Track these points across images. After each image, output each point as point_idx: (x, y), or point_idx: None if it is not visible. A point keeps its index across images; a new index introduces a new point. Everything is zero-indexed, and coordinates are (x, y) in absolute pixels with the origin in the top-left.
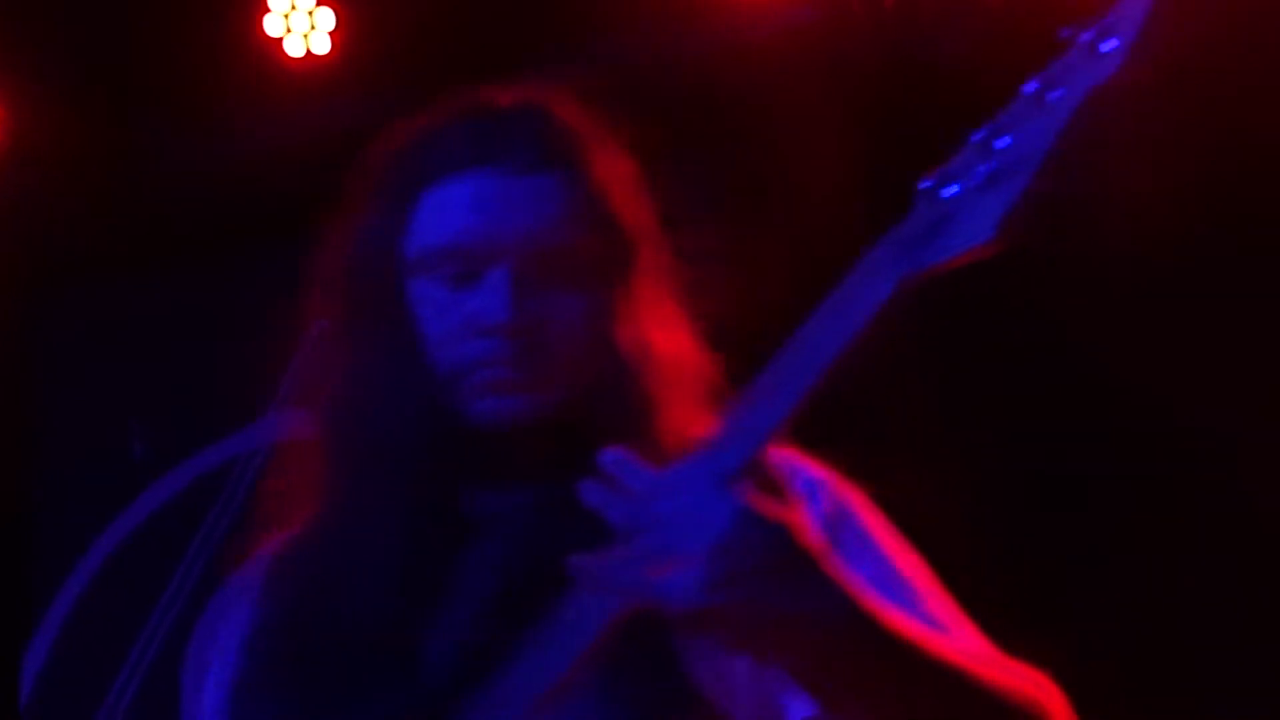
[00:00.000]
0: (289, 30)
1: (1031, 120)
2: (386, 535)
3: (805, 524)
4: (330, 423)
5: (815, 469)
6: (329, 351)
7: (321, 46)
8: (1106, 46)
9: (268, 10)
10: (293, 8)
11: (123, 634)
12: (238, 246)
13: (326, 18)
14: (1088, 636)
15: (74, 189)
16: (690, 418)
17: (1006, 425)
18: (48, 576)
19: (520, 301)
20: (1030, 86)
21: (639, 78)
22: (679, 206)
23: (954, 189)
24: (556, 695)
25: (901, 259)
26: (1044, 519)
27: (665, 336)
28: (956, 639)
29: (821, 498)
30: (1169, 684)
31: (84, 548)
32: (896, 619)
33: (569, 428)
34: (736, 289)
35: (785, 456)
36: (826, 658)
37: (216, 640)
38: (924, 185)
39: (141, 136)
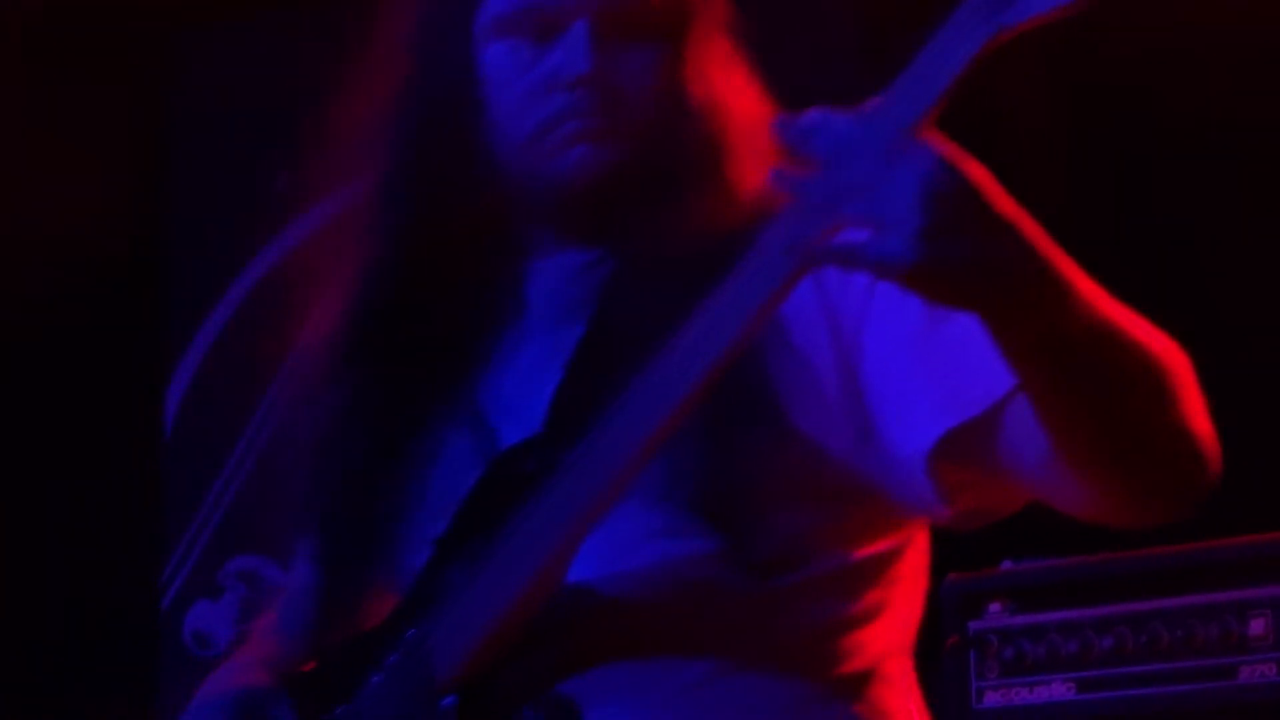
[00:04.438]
0: None
1: None
2: (454, 301)
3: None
4: (389, 194)
5: None
6: (386, 128)
7: None
8: None
9: None
10: None
11: (263, 367)
12: None
13: None
14: None
15: None
16: (764, 171)
17: None
18: (189, 307)
19: (601, 53)
20: None
21: None
22: None
23: None
24: (653, 446)
25: (987, 16)
26: None
27: (734, 91)
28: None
29: None
30: None
31: (227, 279)
32: (1075, 271)
33: (650, 179)
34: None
35: None
36: (1017, 309)
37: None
38: None
39: None
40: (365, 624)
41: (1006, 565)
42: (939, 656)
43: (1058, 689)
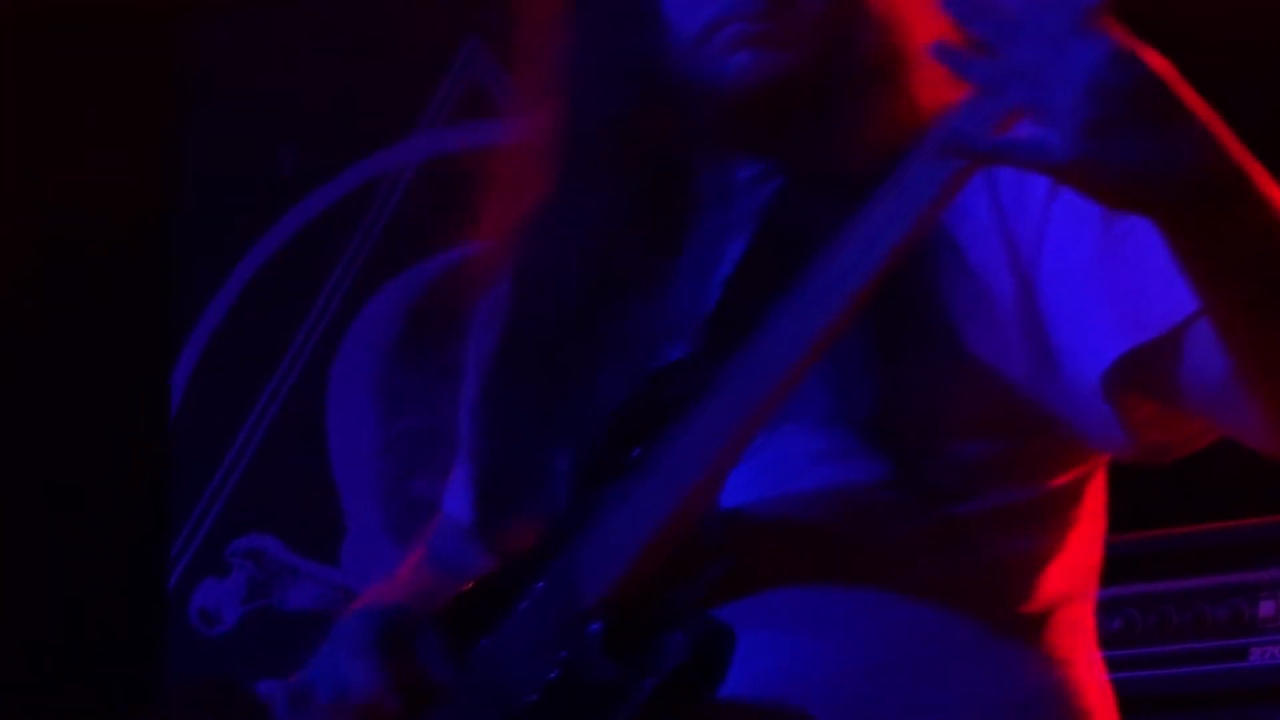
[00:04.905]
0: None
1: None
2: (618, 207)
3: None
4: (561, 103)
5: None
6: (553, 40)
7: None
8: None
9: None
10: None
11: (269, 349)
12: None
13: None
14: None
15: None
16: (942, 81)
17: None
18: (194, 290)
19: None
20: None
21: None
22: None
23: None
24: (810, 358)
25: None
26: None
27: (913, 3)
28: None
29: None
30: None
31: (232, 262)
32: (1264, 176)
33: (820, 88)
34: None
35: None
36: (1192, 214)
37: (464, 362)
38: None
39: None
40: (515, 552)
41: None
42: None
43: None
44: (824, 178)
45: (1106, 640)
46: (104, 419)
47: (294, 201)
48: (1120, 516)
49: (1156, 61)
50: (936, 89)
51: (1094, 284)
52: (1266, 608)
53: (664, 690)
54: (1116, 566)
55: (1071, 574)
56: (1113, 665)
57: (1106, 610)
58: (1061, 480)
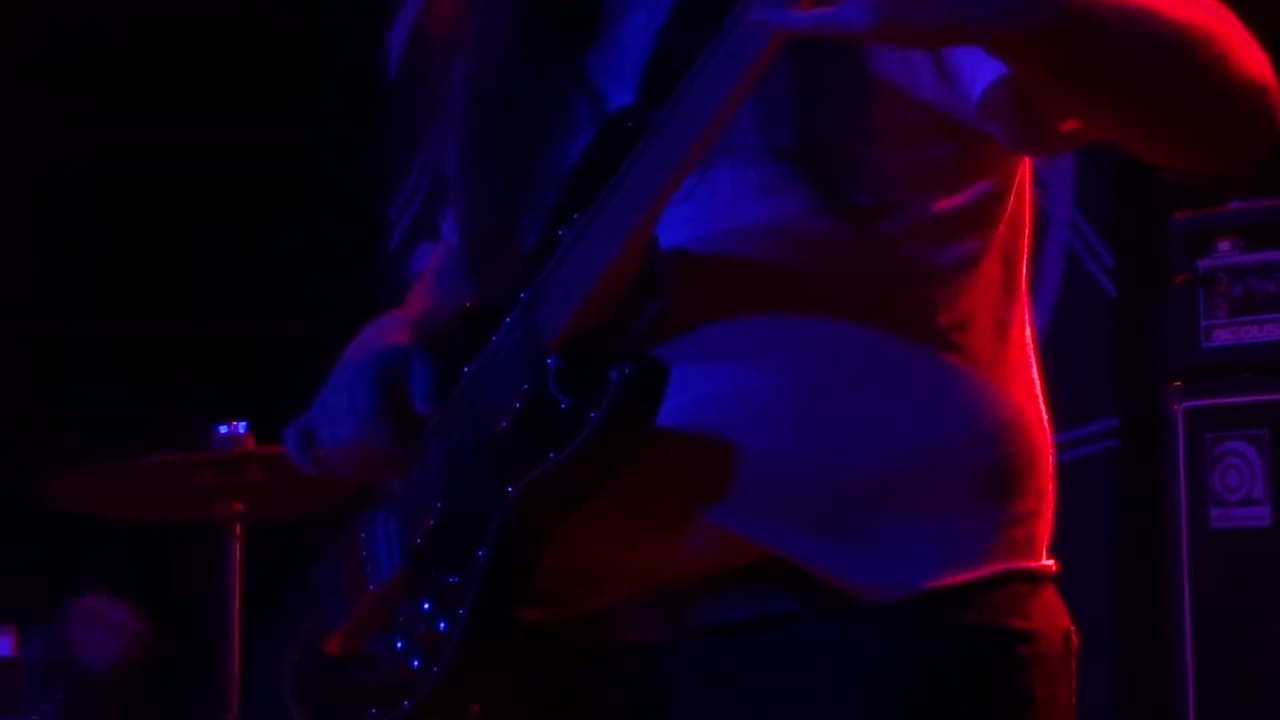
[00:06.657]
0: None
1: None
2: None
3: None
4: None
5: None
6: None
7: None
8: None
9: None
10: None
11: None
12: None
13: None
14: None
15: None
16: None
17: None
18: None
19: None
20: None
21: None
22: None
23: None
24: (732, 105)
25: None
26: None
27: None
28: None
29: None
30: None
31: None
32: None
33: None
34: None
35: None
36: (1007, 49)
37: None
38: None
39: None
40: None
41: (1235, 204)
42: (1167, 295)
43: None
44: None
45: None
46: (322, 82)
47: None
48: None
49: None
50: None
51: None
52: None
53: (606, 421)
54: None
55: (994, 281)
56: None
57: None
58: (981, 186)
